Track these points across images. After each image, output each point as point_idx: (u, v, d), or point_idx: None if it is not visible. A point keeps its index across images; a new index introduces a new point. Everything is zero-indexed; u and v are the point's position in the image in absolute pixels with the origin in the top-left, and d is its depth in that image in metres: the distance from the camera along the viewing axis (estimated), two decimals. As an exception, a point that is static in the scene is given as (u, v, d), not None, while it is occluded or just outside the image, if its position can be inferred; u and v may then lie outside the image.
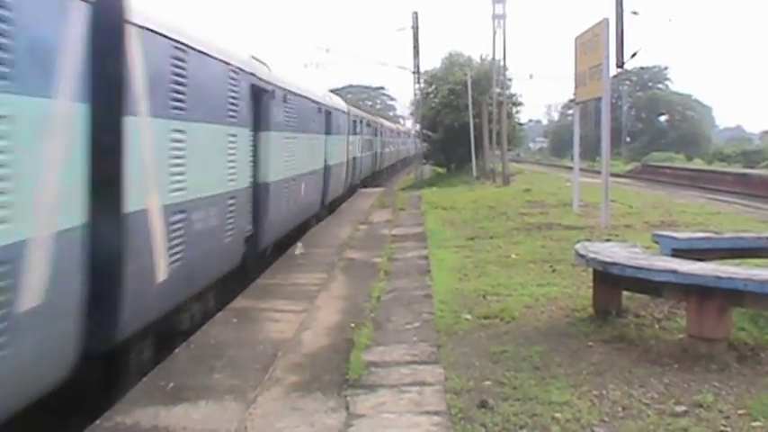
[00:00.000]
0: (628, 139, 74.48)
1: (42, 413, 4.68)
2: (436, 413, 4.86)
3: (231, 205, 8.37)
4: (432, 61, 79.91)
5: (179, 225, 6.48)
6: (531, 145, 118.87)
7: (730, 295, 5.74)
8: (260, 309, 8.41)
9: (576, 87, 16.84)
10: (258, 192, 10.18)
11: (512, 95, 39.99)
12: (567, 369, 5.65)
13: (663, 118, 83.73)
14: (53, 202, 4.22)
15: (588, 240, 10.28)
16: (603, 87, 14.46)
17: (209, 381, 5.75)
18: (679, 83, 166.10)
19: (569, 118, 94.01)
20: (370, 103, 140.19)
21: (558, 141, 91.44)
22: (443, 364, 5.94)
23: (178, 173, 6.45)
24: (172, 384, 5.65)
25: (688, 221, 14.76)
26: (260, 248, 10.64)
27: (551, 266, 10.11)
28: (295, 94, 12.93)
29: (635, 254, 7.00)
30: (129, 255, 5.47)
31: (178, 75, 6.40)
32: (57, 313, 4.31)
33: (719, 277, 5.71)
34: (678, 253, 7.47)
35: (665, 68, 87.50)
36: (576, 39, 16.60)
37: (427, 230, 15.26)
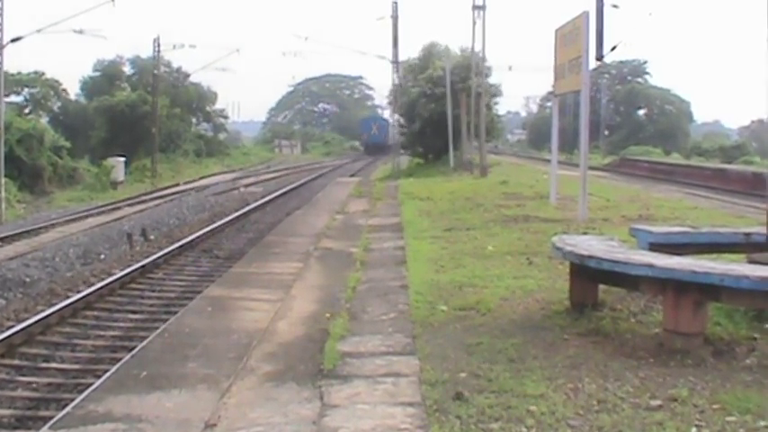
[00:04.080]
0: (606, 133, 74.76)
1: None
2: (411, 404, 4.86)
3: None
4: (411, 52, 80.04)
5: None
6: (510, 137, 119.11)
7: (707, 290, 5.77)
8: (235, 297, 8.39)
9: (556, 80, 16.88)
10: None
11: (491, 86, 40.12)
12: (542, 362, 5.67)
13: (641, 112, 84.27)
14: None
15: (565, 233, 10.30)
16: (583, 80, 14.51)
17: (183, 369, 5.73)
18: (658, 77, 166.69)
19: (548, 110, 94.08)
20: (348, 92, 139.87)
21: (537, 133, 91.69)
22: (419, 355, 5.95)
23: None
24: (145, 373, 5.62)
25: (665, 216, 14.83)
26: None
27: (528, 259, 10.13)
28: None
29: (612, 247, 7.03)
30: None
31: None
32: None
33: (696, 272, 5.74)
34: (655, 247, 7.50)
35: (645, 62, 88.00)
36: (557, 31, 16.61)
37: (404, 221, 15.30)
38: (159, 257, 14.82)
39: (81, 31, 34.67)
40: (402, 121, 42.19)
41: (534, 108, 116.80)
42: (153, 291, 12.60)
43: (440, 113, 37.28)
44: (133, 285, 12.80)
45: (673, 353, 5.76)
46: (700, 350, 5.78)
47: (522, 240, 11.92)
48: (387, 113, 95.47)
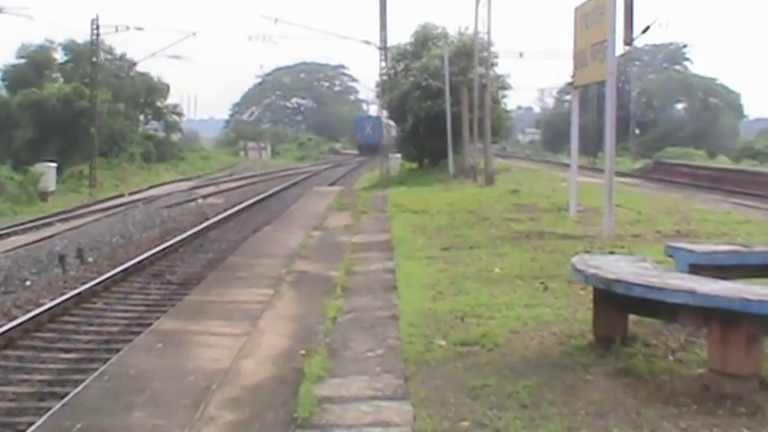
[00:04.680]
0: (637, 131, 75.20)
1: None
2: (404, 461, 4.84)
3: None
4: (402, 35, 80.00)
5: None
6: (521, 137, 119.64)
7: (761, 322, 5.73)
8: (191, 331, 8.34)
9: (575, 68, 16.92)
10: None
11: (498, 77, 40.24)
12: (561, 408, 5.65)
13: (680, 106, 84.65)
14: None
15: (588, 252, 10.33)
16: (608, 68, 14.52)
17: (127, 420, 5.68)
18: (701, 64, 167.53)
19: (566, 105, 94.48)
20: (326, 84, 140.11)
21: (553, 133, 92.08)
22: (412, 400, 5.93)
23: None
24: (79, 425, 5.57)
25: (710, 231, 14.83)
26: None
27: (543, 283, 10.11)
28: None
29: (644, 270, 7.02)
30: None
31: None
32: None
33: (748, 300, 5.69)
34: (697, 269, 7.48)
35: (685, 46, 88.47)
36: (576, 9, 16.67)
37: (394, 238, 15.31)
38: (99, 284, 14.77)
39: (1, 10, 34.36)
40: (391, 118, 42.28)
41: (550, 102, 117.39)
42: (91, 324, 12.52)
43: (437, 110, 37.38)
44: (66, 318, 12.71)
45: (721, 398, 5.71)
46: (754, 396, 5.72)
47: (535, 261, 11.92)
48: (373, 110, 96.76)
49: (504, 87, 41.94)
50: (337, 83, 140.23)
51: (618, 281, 6.55)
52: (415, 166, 44.17)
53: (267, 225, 20.06)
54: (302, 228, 17.56)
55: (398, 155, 46.44)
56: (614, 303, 6.96)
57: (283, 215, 21.83)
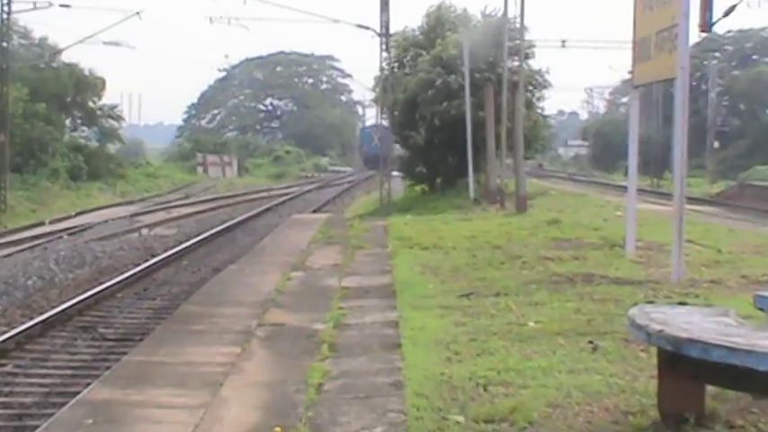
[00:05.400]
0: (716, 145, 75.08)
1: None
2: None
3: None
4: (409, 19, 79.64)
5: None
6: (562, 151, 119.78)
7: None
8: (131, 403, 8.30)
9: (635, 62, 16.92)
10: None
11: (533, 72, 40.23)
12: None
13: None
14: None
15: (651, 303, 10.25)
16: (679, 62, 14.46)
17: None
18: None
19: (622, 110, 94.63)
20: (310, 80, 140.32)
21: (605, 146, 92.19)
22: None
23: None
24: None
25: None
26: None
27: (591, 342, 10.09)
28: None
29: (726, 326, 7.00)
30: None
31: None
32: None
33: None
34: (796, 326, 7.47)
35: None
36: (638, -15, 16.70)
37: (397, 281, 15.35)
38: (9, 339, 14.67)
39: None
40: (395, 126, 42.08)
41: (600, 106, 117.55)
42: (-2, 393, 12.40)
43: (454, 116, 37.32)
44: (-35, 385, 12.63)
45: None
46: None
47: (581, 313, 11.89)
48: (371, 115, 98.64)
49: (542, 86, 41.96)
50: (324, 79, 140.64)
51: (691, 341, 6.52)
52: (424, 188, 43.96)
53: (232, 263, 20.02)
54: (278, 267, 17.60)
55: (398, 174, 46.06)
56: (686, 370, 6.90)
57: (253, 250, 21.86)
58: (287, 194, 56.36)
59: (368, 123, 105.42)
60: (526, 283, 14.52)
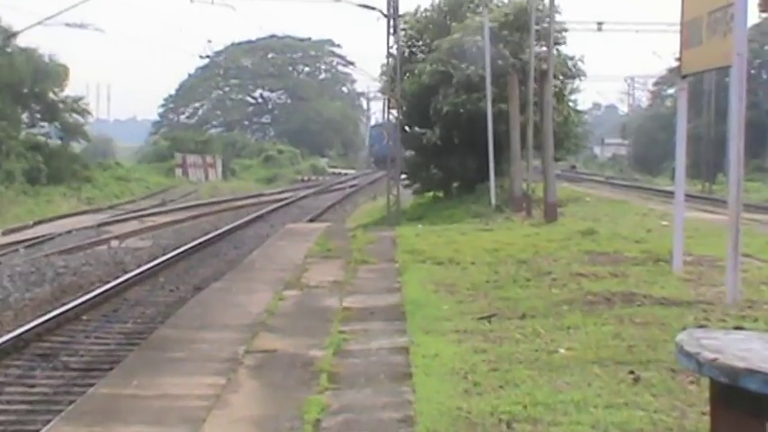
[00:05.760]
0: (780, 144, 75.01)
1: None
2: None
3: None
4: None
5: None
6: (599, 150, 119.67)
7: None
8: (97, 445, 8.27)
9: (683, 48, 16.87)
10: None
11: (565, 60, 40.14)
12: None
13: None
14: None
15: (702, 327, 10.33)
16: (735, 47, 14.41)
17: None
18: None
19: (668, 103, 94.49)
20: (307, 68, 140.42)
21: (648, 144, 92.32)
22: None
23: None
24: None
25: None
26: None
27: (632, 372, 10.05)
28: None
29: (792, 355, 6.94)
30: None
31: None
32: None
33: None
34: None
35: None
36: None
37: (407, 301, 15.34)
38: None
39: None
40: (405, 122, 41.90)
41: (643, 99, 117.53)
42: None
43: (474, 111, 37.21)
44: None
45: None
46: None
47: (620, 338, 11.84)
48: (377, 109, 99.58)
49: (575, 75, 41.83)
50: (323, 67, 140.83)
51: (750, 371, 6.37)
52: (438, 194, 43.84)
53: (216, 280, 20.02)
54: (269, 284, 17.63)
55: (403, 177, 45.25)
56: (744, 406, 6.71)
57: (241, 265, 21.93)
58: (280, 201, 56.52)
59: (373, 119, 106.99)
60: (556, 303, 14.50)
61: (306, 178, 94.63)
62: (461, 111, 37.86)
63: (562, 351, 11.22)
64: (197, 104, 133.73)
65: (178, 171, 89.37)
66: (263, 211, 48.22)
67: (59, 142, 70.38)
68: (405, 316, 14.10)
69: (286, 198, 59.46)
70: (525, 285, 16.38)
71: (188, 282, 24.47)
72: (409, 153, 43.41)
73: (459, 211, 35.48)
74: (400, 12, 41.96)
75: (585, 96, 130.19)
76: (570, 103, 41.90)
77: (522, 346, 11.61)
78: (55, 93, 69.41)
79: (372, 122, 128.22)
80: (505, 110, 34.43)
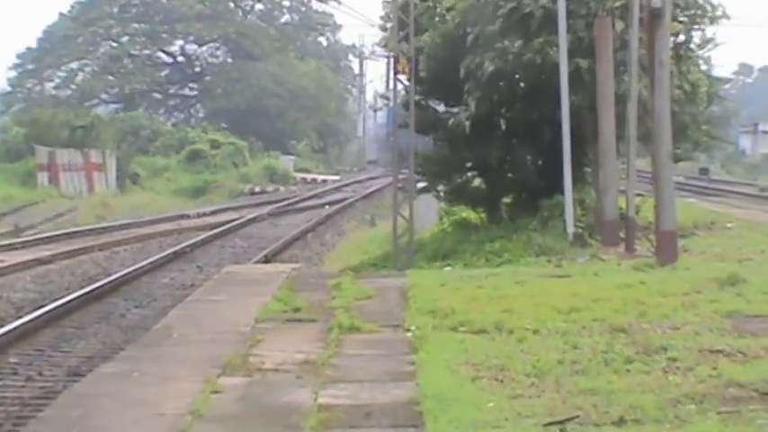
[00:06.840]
0: None
1: None
2: None
3: None
4: None
5: None
6: (748, 142, 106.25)
7: None
8: None
9: None
10: None
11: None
12: None
13: None
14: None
15: None
16: None
17: None
18: None
19: None
20: (259, 4, 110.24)
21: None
22: None
23: None
24: None
25: None
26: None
27: None
28: None
29: None
30: None
31: None
32: None
33: None
34: None
35: None
36: None
37: (427, 395, 12.54)
38: None
39: None
40: (421, 95, 32.44)
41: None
42: None
43: (535, 68, 27.89)
44: None
45: None
46: None
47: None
48: (374, 72, 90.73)
49: (708, 19, 31.97)
50: (286, 4, 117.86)
51: None
52: (477, 214, 34.54)
53: (107, 361, 16.64)
54: (196, 367, 14.61)
55: (422, 183, 36.18)
56: None
57: (149, 335, 18.15)
58: (214, 226, 47.95)
59: (371, 91, 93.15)
60: (675, 399, 12.01)
61: (258, 189, 77.52)
62: (514, 69, 28.46)
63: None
64: (74, 65, 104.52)
65: (42, 177, 70.06)
66: (187, 243, 40.11)
67: None
68: (422, 421, 11.55)
69: (225, 222, 50.61)
70: (624, 370, 13.72)
71: (58, 364, 19.31)
72: (427, 143, 34.47)
73: (514, 243, 28.25)
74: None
75: (725, 54, 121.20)
76: (701, 65, 32.41)
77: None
78: None
79: (371, 94, 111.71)
80: (588, 70, 26.16)
